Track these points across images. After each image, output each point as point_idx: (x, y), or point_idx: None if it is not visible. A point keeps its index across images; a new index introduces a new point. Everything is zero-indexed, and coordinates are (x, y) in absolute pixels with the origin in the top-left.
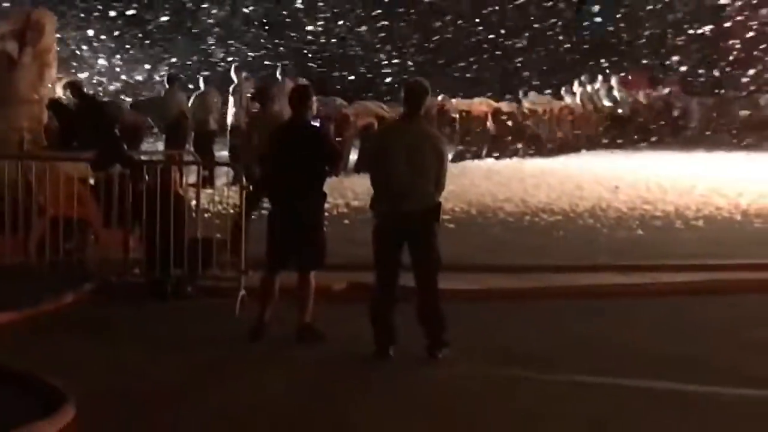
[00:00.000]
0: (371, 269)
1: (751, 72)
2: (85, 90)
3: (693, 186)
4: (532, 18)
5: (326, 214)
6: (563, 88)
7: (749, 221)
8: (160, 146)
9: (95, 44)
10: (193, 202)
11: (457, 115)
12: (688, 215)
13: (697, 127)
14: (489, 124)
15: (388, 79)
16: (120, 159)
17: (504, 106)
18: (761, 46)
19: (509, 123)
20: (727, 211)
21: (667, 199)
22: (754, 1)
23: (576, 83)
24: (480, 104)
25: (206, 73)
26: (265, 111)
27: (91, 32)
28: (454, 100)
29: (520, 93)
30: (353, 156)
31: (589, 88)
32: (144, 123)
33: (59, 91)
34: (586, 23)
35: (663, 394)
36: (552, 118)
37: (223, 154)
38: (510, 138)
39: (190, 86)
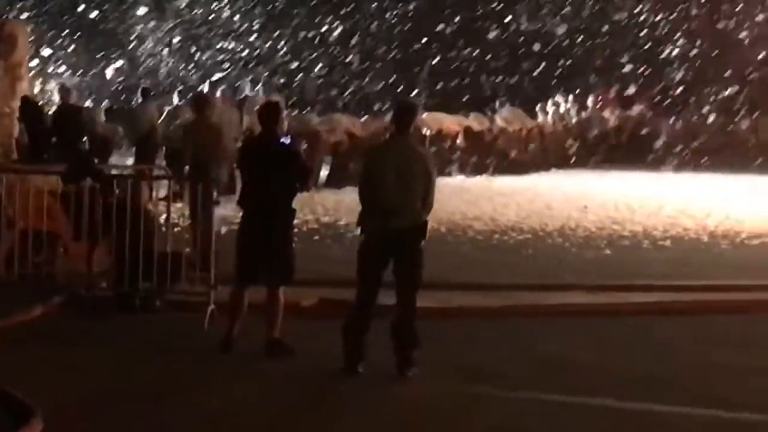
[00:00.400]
0: (341, 285)
1: (724, 93)
2: (70, 95)
3: (661, 206)
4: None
5: (296, 229)
6: (538, 106)
7: (716, 242)
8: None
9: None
10: (164, 217)
11: (428, 132)
12: (656, 236)
13: (666, 148)
14: (459, 141)
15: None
16: (90, 172)
17: (475, 124)
18: (732, 69)
19: (479, 141)
20: (695, 232)
21: (635, 220)
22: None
23: (549, 102)
24: (451, 123)
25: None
26: (201, 120)
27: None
28: (425, 115)
29: (496, 104)
30: (324, 172)
31: (561, 107)
32: (114, 136)
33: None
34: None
35: (630, 413)
36: (522, 137)
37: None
38: (480, 156)
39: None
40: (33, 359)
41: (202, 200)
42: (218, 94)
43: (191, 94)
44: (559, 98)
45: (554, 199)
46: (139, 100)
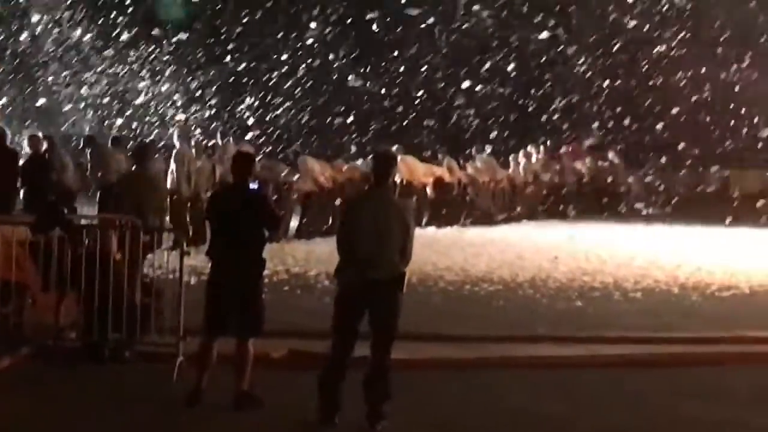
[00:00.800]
0: (311, 336)
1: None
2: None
3: (632, 258)
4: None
5: (266, 280)
6: (511, 156)
7: (686, 294)
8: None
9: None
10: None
11: (399, 181)
12: (627, 287)
13: (637, 199)
14: (429, 191)
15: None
16: (60, 222)
17: (446, 174)
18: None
19: (449, 192)
20: (665, 283)
21: (606, 271)
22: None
23: (521, 152)
24: (423, 173)
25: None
26: (140, 172)
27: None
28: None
29: (473, 150)
30: (294, 222)
31: (532, 157)
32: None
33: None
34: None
35: None
36: (492, 188)
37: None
38: (450, 207)
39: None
40: (1, 410)
41: (130, 249)
42: (192, 142)
43: (134, 145)
44: (530, 149)
45: (525, 249)
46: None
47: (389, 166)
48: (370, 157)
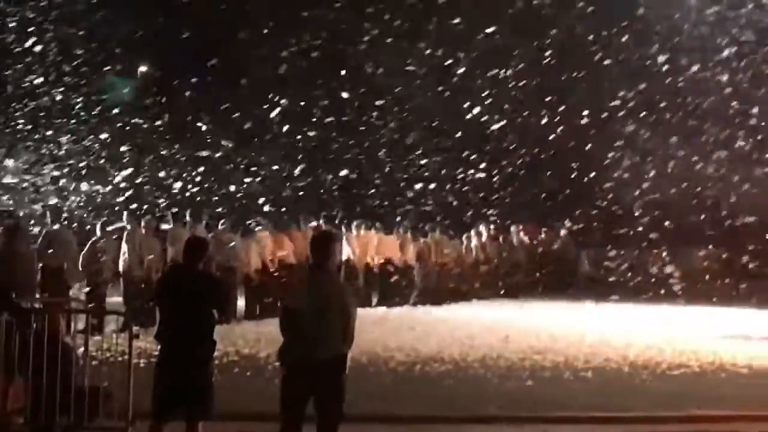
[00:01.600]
0: (262, 419)
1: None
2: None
3: (582, 336)
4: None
5: (216, 362)
6: (464, 235)
7: (637, 373)
8: None
9: None
10: (81, 350)
11: (345, 260)
12: (578, 366)
13: (587, 278)
14: (376, 271)
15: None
16: (7, 306)
17: (396, 257)
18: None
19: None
20: (615, 362)
21: (557, 349)
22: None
23: (472, 231)
24: (374, 253)
25: None
26: (8, 250)
27: None
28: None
29: (427, 228)
30: (241, 303)
31: (483, 236)
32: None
33: None
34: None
35: None
36: (440, 267)
37: (113, 300)
38: (398, 287)
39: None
40: None
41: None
42: (142, 223)
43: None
44: (481, 228)
45: (475, 328)
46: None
47: (327, 247)
48: (310, 238)
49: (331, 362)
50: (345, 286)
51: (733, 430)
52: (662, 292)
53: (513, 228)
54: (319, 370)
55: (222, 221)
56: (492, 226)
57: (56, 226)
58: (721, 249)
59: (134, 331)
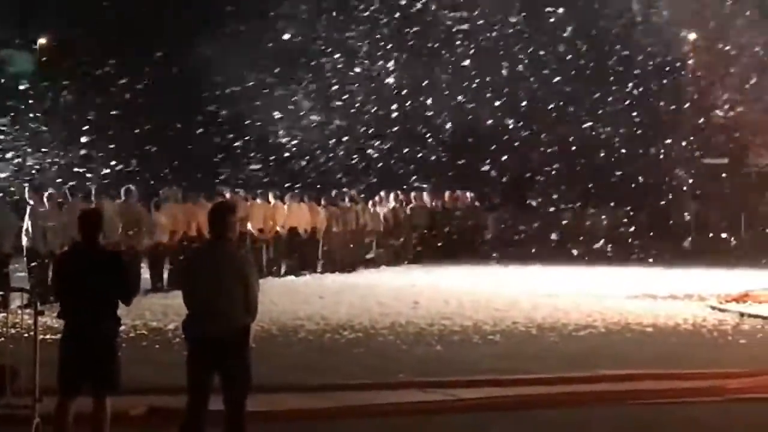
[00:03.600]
0: (171, 392)
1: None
2: None
3: (490, 300)
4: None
5: (123, 336)
6: (370, 202)
7: (544, 335)
8: None
9: None
10: None
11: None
12: (486, 330)
13: (493, 241)
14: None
15: None
16: None
17: (303, 224)
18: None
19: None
20: (523, 325)
21: (465, 314)
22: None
23: (376, 197)
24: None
25: None
26: None
27: None
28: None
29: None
30: (145, 275)
31: (390, 202)
32: None
33: None
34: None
35: None
36: (349, 235)
37: (19, 276)
38: (307, 255)
39: None
40: None
41: None
42: (45, 196)
43: None
44: (383, 194)
45: (384, 296)
46: None
47: (225, 219)
48: (209, 210)
49: (234, 334)
50: (245, 256)
51: (639, 389)
52: (568, 254)
53: (413, 194)
54: (221, 343)
55: (127, 191)
56: (395, 192)
57: None
58: (622, 210)
59: (39, 307)
